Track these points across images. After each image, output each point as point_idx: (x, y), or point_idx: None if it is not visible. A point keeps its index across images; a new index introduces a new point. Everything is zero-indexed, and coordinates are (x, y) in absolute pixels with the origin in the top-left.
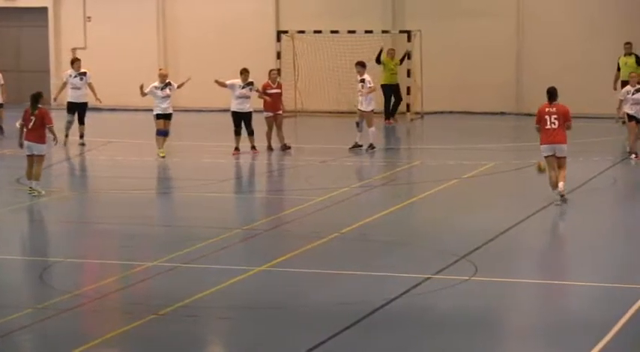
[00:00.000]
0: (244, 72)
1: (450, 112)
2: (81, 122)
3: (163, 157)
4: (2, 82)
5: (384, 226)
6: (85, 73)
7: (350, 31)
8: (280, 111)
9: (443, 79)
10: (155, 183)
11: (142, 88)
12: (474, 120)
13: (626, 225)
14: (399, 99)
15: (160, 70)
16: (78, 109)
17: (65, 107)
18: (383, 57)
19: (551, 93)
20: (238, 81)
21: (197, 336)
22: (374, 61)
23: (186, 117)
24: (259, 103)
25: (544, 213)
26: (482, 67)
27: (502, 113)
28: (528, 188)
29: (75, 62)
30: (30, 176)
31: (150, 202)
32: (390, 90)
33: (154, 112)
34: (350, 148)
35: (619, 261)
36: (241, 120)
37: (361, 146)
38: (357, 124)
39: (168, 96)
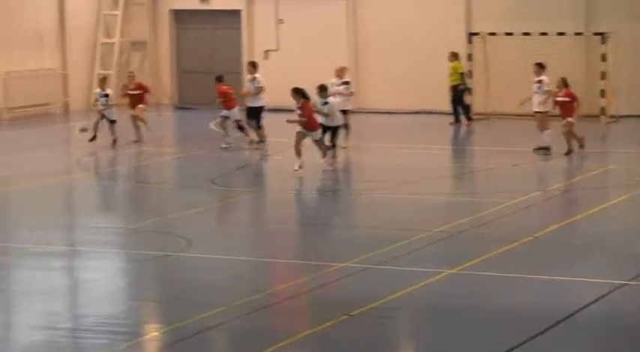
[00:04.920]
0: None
1: None
2: (258, 126)
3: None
4: (261, 84)
5: (577, 230)
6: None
7: (542, 33)
8: None
9: (636, 81)
10: (343, 185)
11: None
12: None
13: None
14: None
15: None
16: (256, 113)
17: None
18: None
19: None
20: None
21: (388, 338)
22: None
23: (377, 119)
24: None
25: None
26: None
27: None
28: None
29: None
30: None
31: (339, 204)
32: None
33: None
34: (534, 149)
35: None
36: None
37: (548, 149)
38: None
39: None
